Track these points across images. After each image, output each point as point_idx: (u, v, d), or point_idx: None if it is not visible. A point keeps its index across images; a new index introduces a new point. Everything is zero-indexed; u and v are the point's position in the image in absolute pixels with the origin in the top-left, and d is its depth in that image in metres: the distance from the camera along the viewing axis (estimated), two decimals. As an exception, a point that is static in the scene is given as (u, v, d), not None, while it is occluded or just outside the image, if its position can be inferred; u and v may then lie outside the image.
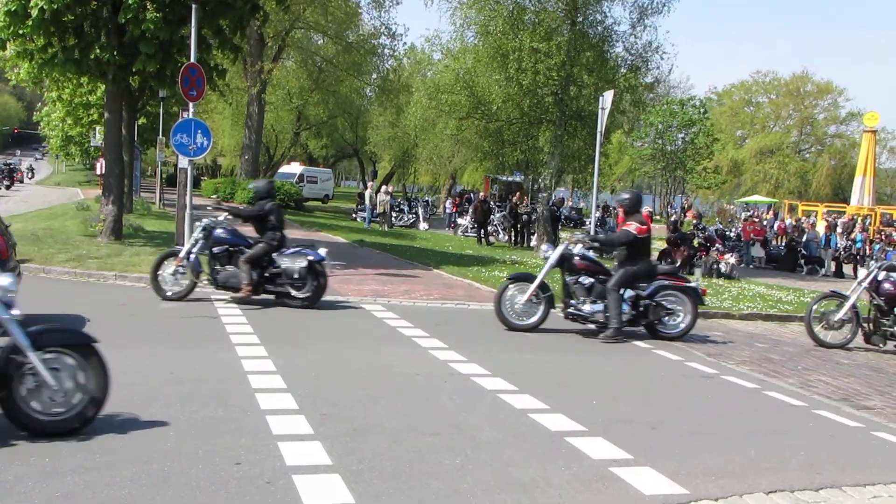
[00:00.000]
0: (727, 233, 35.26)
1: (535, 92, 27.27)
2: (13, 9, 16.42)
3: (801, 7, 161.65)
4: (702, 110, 65.41)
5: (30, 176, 71.32)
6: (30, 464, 5.42)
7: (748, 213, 46.69)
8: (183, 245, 13.53)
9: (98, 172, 40.97)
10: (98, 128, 37.61)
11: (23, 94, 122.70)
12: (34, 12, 16.18)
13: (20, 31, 16.92)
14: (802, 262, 31.42)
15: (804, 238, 32.41)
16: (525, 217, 32.06)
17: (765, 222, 38.31)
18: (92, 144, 44.64)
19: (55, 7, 16.21)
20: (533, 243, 30.68)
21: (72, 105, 40.66)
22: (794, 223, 37.41)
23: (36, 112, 63.76)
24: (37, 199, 38.25)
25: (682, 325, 12.46)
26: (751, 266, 31.06)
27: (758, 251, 32.46)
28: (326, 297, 13.89)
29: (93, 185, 51.75)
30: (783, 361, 11.85)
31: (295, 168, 56.93)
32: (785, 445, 7.21)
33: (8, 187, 51.54)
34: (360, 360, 9.37)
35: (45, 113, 55.56)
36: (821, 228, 35.59)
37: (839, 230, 34.11)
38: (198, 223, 13.15)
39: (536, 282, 12.19)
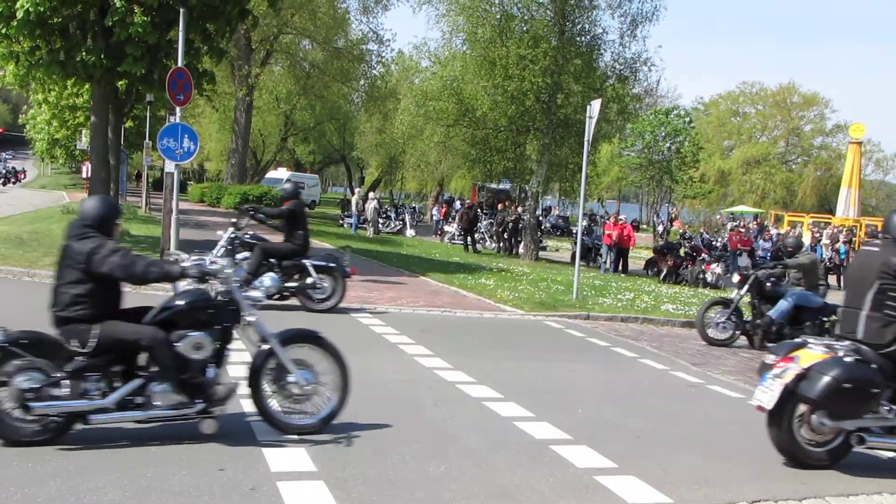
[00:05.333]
0: (713, 242, 35.35)
1: (521, 99, 27.35)
2: (-1, 10, 16.35)
3: (788, 19, 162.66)
4: (687, 119, 65.68)
5: (23, 177, 71.68)
6: (12, 468, 5.39)
7: (734, 223, 46.84)
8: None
9: (84, 176, 40.85)
10: (84, 131, 37.41)
11: (8, 97, 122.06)
12: (20, 14, 16.09)
13: (5, 33, 16.82)
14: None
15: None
16: (511, 225, 32.03)
17: (751, 232, 38.44)
18: (78, 148, 44.41)
19: (41, 9, 16.11)
20: (521, 251, 30.70)
21: (58, 108, 40.48)
22: (780, 233, 37.58)
23: (21, 115, 63.44)
24: (21, 203, 38.00)
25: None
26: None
27: (745, 261, 32.56)
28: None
29: (78, 189, 51.49)
30: (768, 371, 11.88)
31: (282, 173, 56.73)
32: (770, 455, 7.22)
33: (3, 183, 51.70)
34: (345, 367, 9.34)
35: (31, 116, 55.27)
36: (806, 239, 35.74)
37: (825, 241, 34.26)
38: None
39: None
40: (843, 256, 31.45)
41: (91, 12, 17.48)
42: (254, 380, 6.57)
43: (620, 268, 27.36)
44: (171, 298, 6.59)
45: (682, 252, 26.95)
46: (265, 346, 6.66)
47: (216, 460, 5.82)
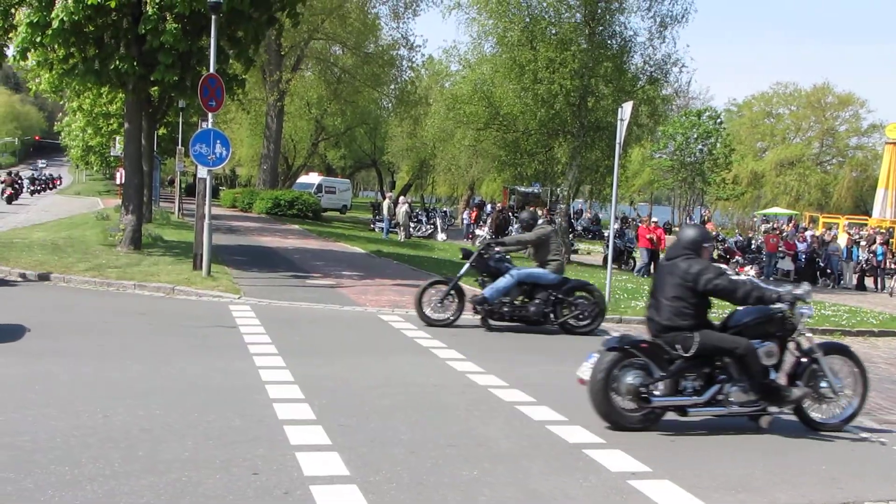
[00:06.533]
0: (751, 245, 35.04)
1: (551, 102, 27.28)
2: (35, 20, 16.55)
3: (822, 19, 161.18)
4: (717, 120, 65.28)
5: (59, 183, 73.27)
6: (49, 472, 5.43)
7: (768, 226, 46.40)
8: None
9: (118, 182, 41.29)
10: (118, 138, 37.90)
11: (44, 105, 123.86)
12: (55, 23, 16.30)
13: (41, 42, 17.04)
14: (818, 274, 31.29)
15: (826, 250, 32.21)
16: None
17: (788, 235, 38.07)
18: (112, 154, 44.95)
19: (76, 18, 16.32)
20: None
21: (92, 115, 40.98)
22: (814, 234, 37.21)
23: (57, 122, 64.30)
24: (57, 209, 38.49)
25: None
26: (770, 279, 30.91)
27: (787, 264, 32.28)
28: (345, 307, 13.92)
29: (112, 195, 52.08)
30: (803, 374, 11.74)
31: (313, 178, 57.08)
32: (806, 459, 7.14)
33: (31, 192, 52.82)
34: (377, 371, 9.36)
35: (66, 123, 56.03)
36: (842, 241, 35.33)
37: (862, 243, 33.86)
38: None
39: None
40: (880, 258, 31.05)
41: (124, 21, 17.67)
42: (792, 381, 7.86)
43: (652, 270, 27.10)
44: (736, 313, 7.97)
45: (714, 254, 26.71)
46: (805, 357, 7.92)
47: (250, 464, 5.83)
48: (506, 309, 12.76)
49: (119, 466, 5.63)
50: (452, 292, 12.93)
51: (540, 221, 15.07)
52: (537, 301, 12.85)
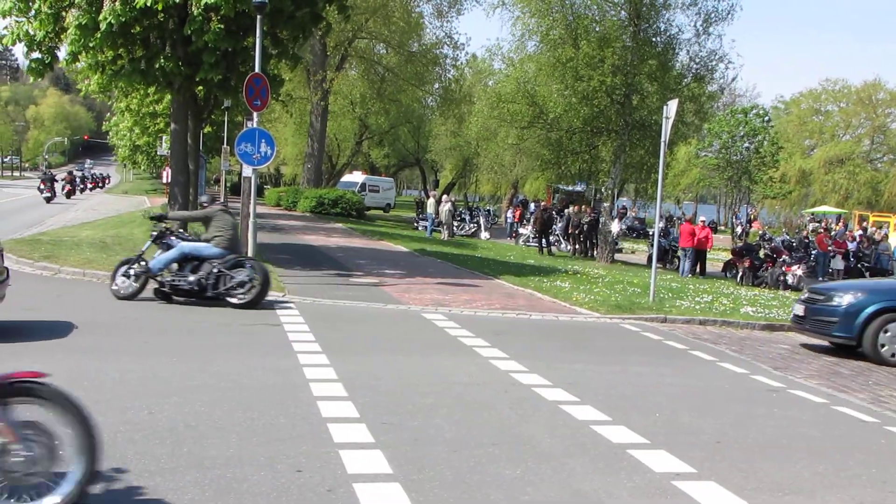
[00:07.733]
0: (807, 242, 34.58)
1: (593, 100, 27.14)
2: (84, 22, 16.75)
3: (872, 14, 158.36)
4: (765, 118, 64.39)
5: (108, 182, 74.92)
6: (96, 467, 5.50)
7: (816, 224, 45.75)
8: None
9: (164, 181, 41.80)
10: (164, 137, 38.30)
11: (93, 105, 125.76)
12: (103, 25, 16.49)
13: (90, 44, 17.27)
14: (867, 273, 30.78)
15: (876, 249, 31.68)
16: (586, 227, 31.68)
17: (838, 234, 37.49)
18: (158, 153, 45.52)
19: (123, 20, 16.51)
20: (596, 253, 30.42)
21: (139, 115, 41.48)
22: (862, 233, 36.65)
23: (105, 122, 65.25)
24: (105, 207, 39.05)
25: None
26: (820, 279, 30.45)
27: (838, 263, 31.80)
28: (388, 305, 13.94)
29: (159, 194, 52.79)
30: (853, 376, 11.57)
31: (357, 177, 57.32)
32: (855, 462, 7.02)
33: (80, 190, 54.70)
34: (420, 369, 9.37)
35: (114, 123, 56.80)
36: (893, 240, 34.73)
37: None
38: None
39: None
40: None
41: (171, 21, 17.85)
42: None
43: (698, 270, 26.83)
44: None
45: (761, 254, 26.37)
46: None
47: (293, 462, 5.86)
48: (167, 279, 12.85)
49: (164, 462, 5.68)
50: (136, 267, 12.99)
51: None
52: (200, 273, 12.84)
